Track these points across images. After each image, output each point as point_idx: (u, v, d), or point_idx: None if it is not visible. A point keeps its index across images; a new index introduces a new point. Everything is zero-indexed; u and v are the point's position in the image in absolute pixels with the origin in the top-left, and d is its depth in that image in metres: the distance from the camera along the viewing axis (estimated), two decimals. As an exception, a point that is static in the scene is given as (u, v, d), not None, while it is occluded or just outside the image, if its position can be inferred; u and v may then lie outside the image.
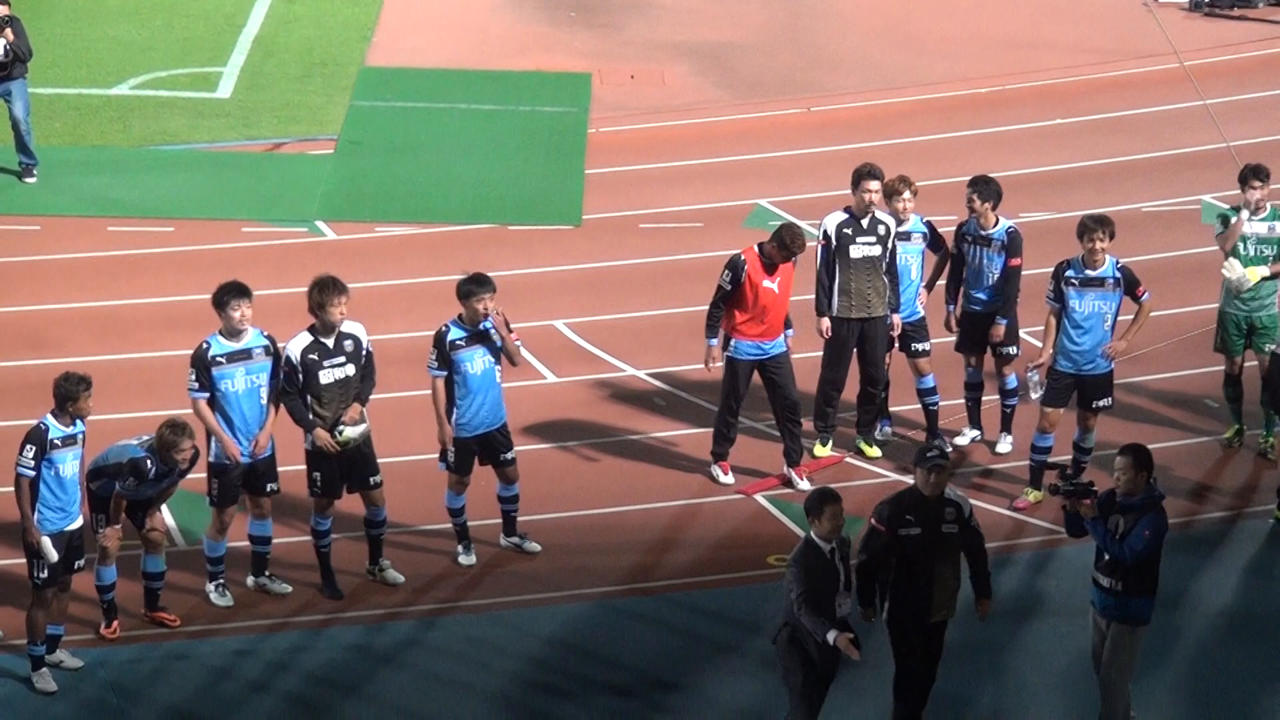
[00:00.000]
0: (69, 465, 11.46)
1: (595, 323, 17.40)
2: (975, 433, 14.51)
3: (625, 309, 17.68)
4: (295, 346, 12.32)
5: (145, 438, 11.89)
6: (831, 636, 10.33)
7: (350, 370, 12.42)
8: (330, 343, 12.36)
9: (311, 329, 12.40)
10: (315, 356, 12.27)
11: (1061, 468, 11.16)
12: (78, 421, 11.46)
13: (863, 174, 13.59)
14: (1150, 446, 11.12)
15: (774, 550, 13.31)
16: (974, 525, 10.93)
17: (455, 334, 12.51)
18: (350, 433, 12.41)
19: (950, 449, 14.17)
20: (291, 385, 12.33)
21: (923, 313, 14.29)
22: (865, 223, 13.74)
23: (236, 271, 13.63)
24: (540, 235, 19.24)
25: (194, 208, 19.26)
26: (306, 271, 13.80)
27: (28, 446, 11.35)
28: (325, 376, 12.29)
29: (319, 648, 12.24)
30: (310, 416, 12.30)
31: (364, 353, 12.51)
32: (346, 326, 12.47)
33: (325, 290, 12.31)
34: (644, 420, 15.61)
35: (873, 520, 10.71)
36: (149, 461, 11.79)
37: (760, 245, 13.56)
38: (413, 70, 22.99)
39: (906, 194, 13.79)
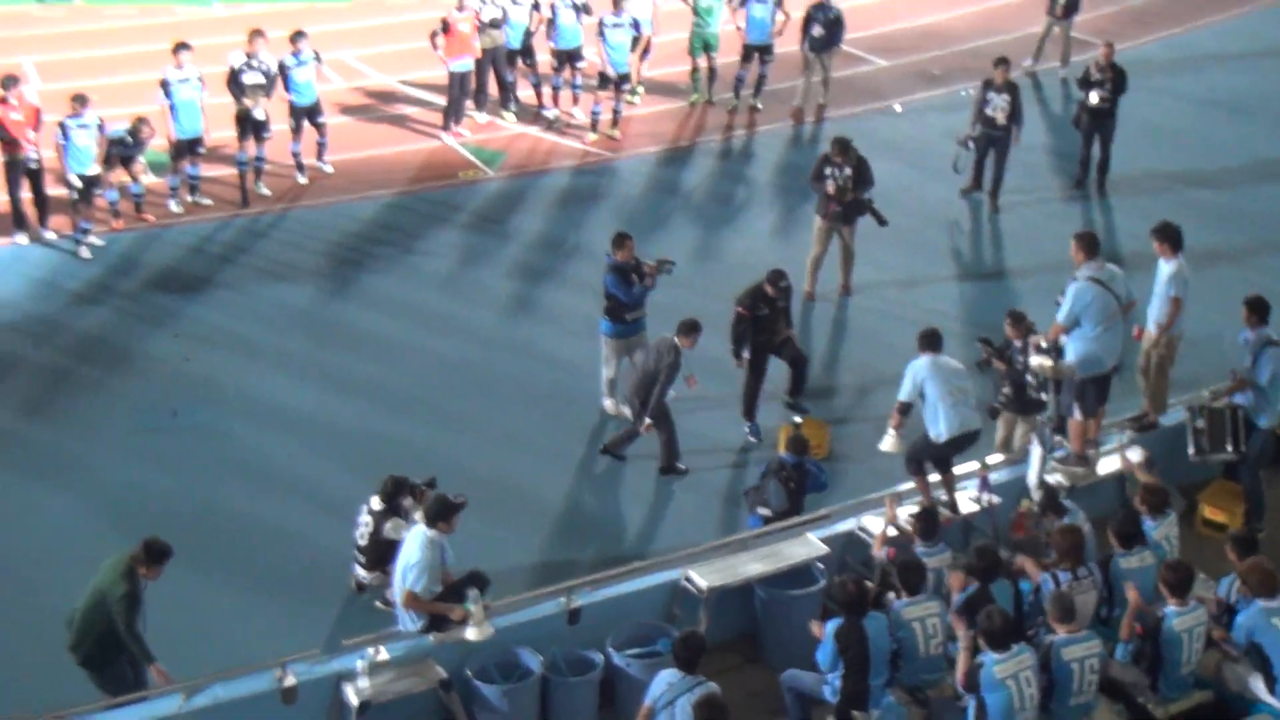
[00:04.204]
0: (81, 139, 16.48)
1: (369, 54, 22.93)
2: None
3: (387, 44, 23.15)
4: (235, 59, 17.84)
5: (127, 125, 16.96)
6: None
7: (262, 79, 18.06)
8: (254, 63, 17.99)
9: (246, 54, 18.00)
10: (243, 67, 17.96)
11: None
12: (85, 114, 16.57)
13: None
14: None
15: (462, 170, 19.54)
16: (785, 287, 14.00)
17: (290, 61, 18.25)
18: (258, 113, 18.12)
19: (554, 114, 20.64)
20: (235, 82, 17.91)
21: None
22: None
23: (179, 34, 19.21)
24: (326, 9, 24.62)
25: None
26: (214, 31, 19.65)
27: (56, 130, 16.43)
28: (248, 79, 18.01)
29: (228, 233, 17.77)
30: (243, 98, 17.83)
31: (270, 70, 18.11)
32: (263, 54, 18.13)
33: (252, 37, 18.15)
34: (402, 108, 21.37)
35: (739, 309, 13.82)
36: (129, 136, 16.97)
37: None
38: None
39: None
